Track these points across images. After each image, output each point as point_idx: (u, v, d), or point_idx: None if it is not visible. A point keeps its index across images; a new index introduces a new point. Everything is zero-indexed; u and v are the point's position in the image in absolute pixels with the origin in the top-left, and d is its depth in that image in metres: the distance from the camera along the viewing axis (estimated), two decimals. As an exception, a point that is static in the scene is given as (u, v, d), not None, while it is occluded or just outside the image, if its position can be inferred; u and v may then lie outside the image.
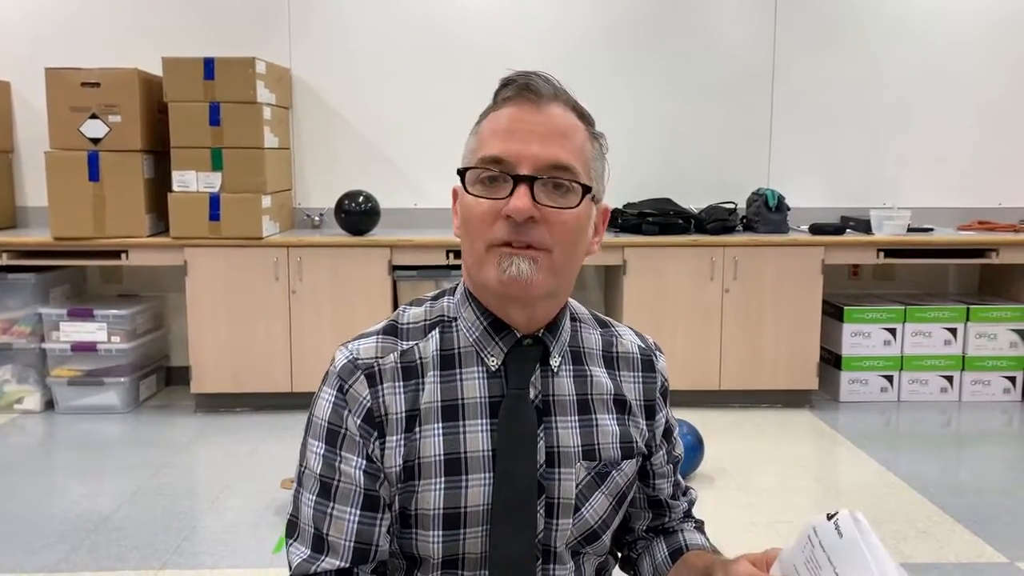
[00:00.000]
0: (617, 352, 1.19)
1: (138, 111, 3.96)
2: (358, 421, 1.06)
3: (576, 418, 1.11)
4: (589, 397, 1.13)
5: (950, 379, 4.40)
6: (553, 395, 1.11)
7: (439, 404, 1.07)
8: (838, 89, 4.62)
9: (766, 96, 4.62)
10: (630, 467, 1.16)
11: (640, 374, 1.19)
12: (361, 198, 4.17)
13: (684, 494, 1.28)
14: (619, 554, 1.30)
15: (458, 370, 1.09)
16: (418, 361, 1.09)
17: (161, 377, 4.60)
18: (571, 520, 1.10)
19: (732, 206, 4.38)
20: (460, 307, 1.12)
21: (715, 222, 4.26)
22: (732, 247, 4.14)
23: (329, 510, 1.06)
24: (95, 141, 3.96)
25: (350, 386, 1.07)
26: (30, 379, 4.20)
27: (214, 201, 3.98)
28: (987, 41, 4.61)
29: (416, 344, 1.10)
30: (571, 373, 1.13)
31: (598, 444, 1.12)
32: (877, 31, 4.60)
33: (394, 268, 4.08)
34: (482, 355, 1.09)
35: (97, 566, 2.64)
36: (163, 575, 2.59)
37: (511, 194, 1.01)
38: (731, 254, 4.14)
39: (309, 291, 4.08)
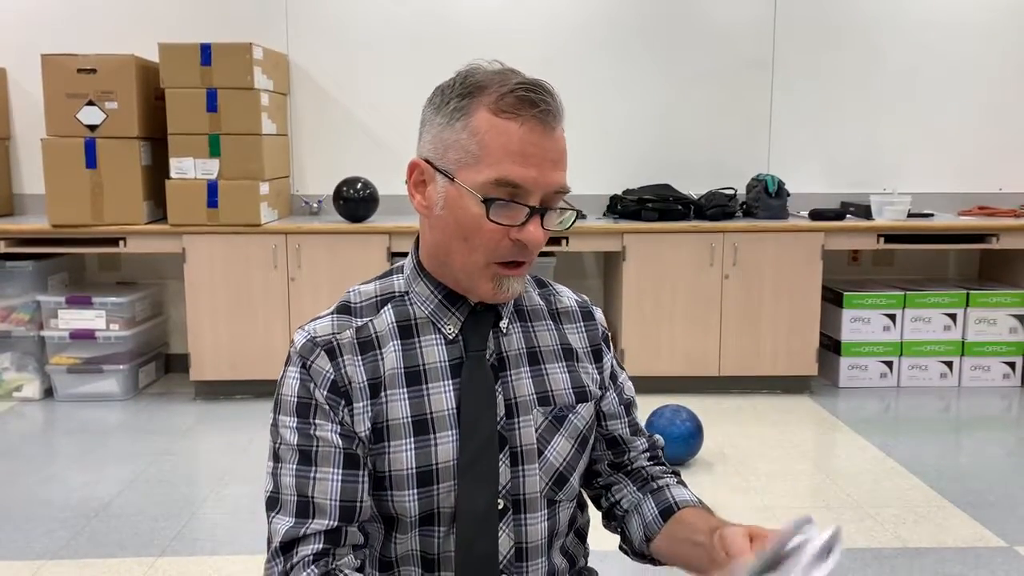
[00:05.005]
0: (557, 308, 1.27)
1: (135, 98, 3.94)
2: (324, 393, 1.10)
3: (527, 368, 1.19)
4: (537, 349, 1.21)
5: (950, 364, 4.40)
6: (506, 352, 1.18)
7: (402, 371, 1.13)
8: (838, 74, 4.60)
9: (766, 81, 4.60)
10: (586, 410, 1.23)
11: (582, 324, 1.28)
12: (359, 185, 4.16)
13: (647, 437, 1.33)
14: (599, 506, 1.33)
15: (416, 339, 1.15)
16: (373, 335, 1.14)
17: (160, 364, 4.60)
18: (537, 465, 1.16)
19: (732, 192, 4.37)
20: (412, 282, 1.18)
21: (715, 208, 4.25)
22: (732, 233, 4.13)
23: (312, 474, 1.09)
24: (92, 128, 3.94)
25: (312, 362, 1.11)
26: (29, 367, 4.20)
27: (212, 188, 3.97)
28: (987, 26, 4.59)
29: (370, 320, 1.16)
30: (519, 330, 1.21)
31: (551, 390, 1.19)
32: (877, 16, 4.57)
33: (393, 255, 4.07)
34: (438, 325, 1.16)
35: (97, 553, 2.64)
36: (163, 562, 2.59)
37: (525, 221, 1.07)
38: (731, 240, 4.13)
39: (308, 278, 4.07)
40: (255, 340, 4.09)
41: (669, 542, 1.20)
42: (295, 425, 1.10)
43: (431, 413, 1.12)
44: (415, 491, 1.11)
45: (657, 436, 1.35)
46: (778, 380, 4.29)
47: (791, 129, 4.63)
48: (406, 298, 1.17)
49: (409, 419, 1.11)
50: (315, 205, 4.49)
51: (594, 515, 1.33)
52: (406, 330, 1.15)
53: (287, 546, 1.08)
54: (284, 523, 1.09)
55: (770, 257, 4.15)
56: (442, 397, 1.13)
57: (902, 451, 3.51)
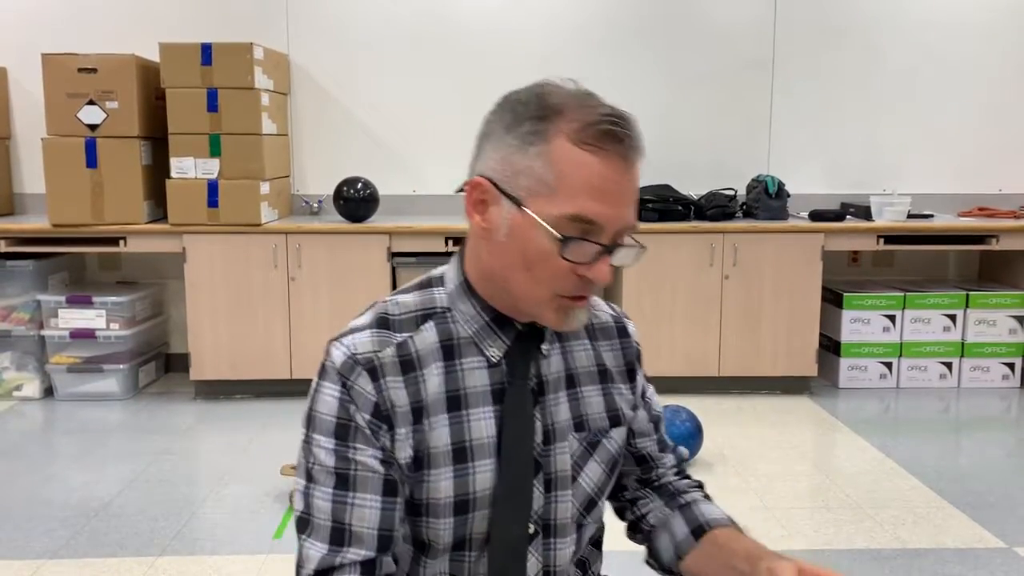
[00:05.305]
0: (594, 324, 1.22)
1: (135, 97, 3.94)
2: (367, 416, 1.03)
3: (565, 393, 1.14)
4: (575, 371, 1.16)
5: (949, 365, 4.40)
6: (546, 376, 1.13)
7: (444, 395, 1.07)
8: (838, 75, 4.60)
9: (766, 82, 4.60)
10: (619, 434, 1.19)
11: (617, 341, 1.23)
12: (360, 185, 4.16)
13: (672, 451, 1.31)
14: (622, 517, 1.31)
15: (458, 360, 1.09)
16: (414, 354, 1.07)
17: (160, 364, 4.60)
18: (570, 491, 1.13)
19: (732, 192, 4.37)
20: (456, 299, 1.11)
21: (715, 208, 4.25)
22: (732, 233, 4.13)
23: (350, 500, 1.04)
24: (92, 127, 3.94)
25: (353, 382, 1.04)
26: (29, 366, 4.20)
27: (212, 187, 3.97)
28: (987, 26, 4.59)
29: (410, 337, 1.08)
30: (558, 351, 1.15)
31: (586, 415, 1.15)
32: (878, 17, 4.57)
33: (393, 255, 4.08)
34: (481, 347, 1.09)
35: (97, 552, 2.64)
36: (163, 561, 2.59)
37: (596, 259, 1.01)
38: (731, 240, 4.13)
39: (308, 278, 4.07)
40: (255, 340, 4.09)
41: (703, 561, 1.18)
42: (332, 447, 1.04)
43: (470, 440, 1.07)
44: (451, 519, 1.07)
45: (682, 449, 1.33)
46: (778, 381, 4.29)
47: (791, 130, 4.64)
48: (448, 315, 1.10)
49: (449, 447, 1.06)
50: (315, 205, 4.49)
51: (614, 522, 1.32)
52: (448, 350, 1.08)
53: (320, 575, 1.03)
54: (317, 550, 1.03)
55: (770, 258, 4.15)
56: (482, 424, 1.07)
57: (901, 452, 3.51)
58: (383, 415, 1.04)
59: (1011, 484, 3.19)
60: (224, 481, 3.20)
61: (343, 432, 1.04)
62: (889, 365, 4.38)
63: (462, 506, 1.07)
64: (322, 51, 4.50)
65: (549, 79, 1.05)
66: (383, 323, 1.09)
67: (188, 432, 3.78)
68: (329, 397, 1.05)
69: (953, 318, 4.36)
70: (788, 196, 4.35)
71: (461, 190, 1.10)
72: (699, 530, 1.21)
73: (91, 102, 3.93)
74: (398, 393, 1.05)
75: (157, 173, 4.09)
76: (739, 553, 1.11)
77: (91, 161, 3.94)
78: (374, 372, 1.04)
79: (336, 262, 4.07)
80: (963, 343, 4.38)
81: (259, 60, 4.02)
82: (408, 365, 1.06)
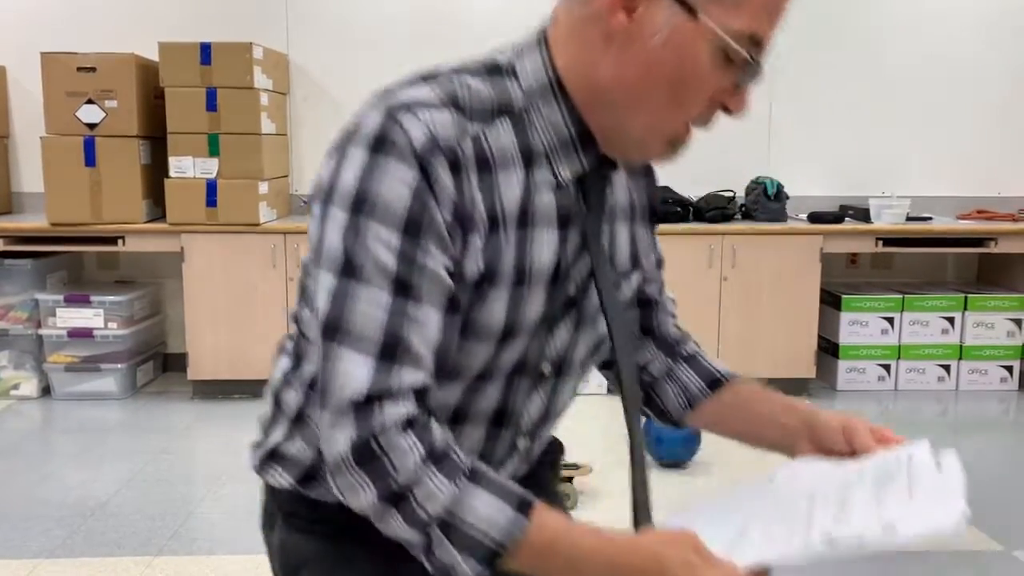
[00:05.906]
0: None
1: (135, 96, 3.94)
2: (448, 217, 0.84)
3: (607, 228, 1.01)
4: (614, 206, 1.02)
5: (947, 368, 4.40)
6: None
7: (517, 207, 0.90)
8: (838, 77, 4.61)
9: (766, 83, 4.59)
10: (636, 278, 1.10)
11: (643, 179, 1.10)
12: (359, 185, 4.15)
13: (668, 295, 1.25)
14: (612, 369, 1.23)
15: (529, 171, 0.90)
16: (489, 152, 0.88)
17: (158, 363, 4.59)
18: (591, 332, 1.03)
19: (731, 194, 4.37)
20: (537, 100, 0.91)
21: (714, 210, 4.25)
22: (731, 235, 4.13)
23: (410, 311, 0.83)
24: (91, 126, 3.94)
25: (435, 170, 0.84)
26: (27, 365, 4.20)
27: (211, 187, 3.97)
28: (987, 30, 4.60)
29: (483, 129, 0.88)
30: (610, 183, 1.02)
31: (615, 254, 1.03)
32: (878, 19, 4.58)
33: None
34: (553, 163, 0.91)
35: (94, 552, 2.64)
36: (160, 561, 2.59)
37: (739, 85, 0.88)
38: (729, 242, 4.13)
39: (306, 278, 4.07)
40: (253, 340, 4.09)
41: (725, 413, 1.18)
42: (397, 244, 0.83)
43: (531, 265, 0.91)
44: (491, 347, 0.91)
45: (674, 295, 1.25)
46: (776, 382, 4.21)
47: (790, 132, 4.64)
48: (524, 118, 0.90)
49: (512, 267, 0.90)
50: (314, 205, 4.48)
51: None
52: (527, 158, 0.90)
53: (367, 400, 0.82)
54: (363, 366, 0.82)
55: (769, 260, 4.15)
56: (544, 249, 0.92)
57: (899, 454, 3.51)
58: (461, 217, 0.85)
59: (1009, 487, 3.19)
60: (222, 481, 3.20)
61: (414, 229, 0.83)
62: (887, 367, 4.38)
63: (507, 333, 0.92)
64: (321, 50, 4.50)
65: None
66: (455, 103, 0.88)
67: (186, 432, 3.78)
68: (397, 181, 0.83)
69: (951, 320, 4.36)
70: (787, 198, 4.35)
71: None
72: (715, 383, 1.18)
73: (90, 101, 3.93)
74: (478, 194, 0.86)
75: (156, 172, 4.09)
76: (778, 407, 1.12)
77: (90, 160, 3.93)
78: (456, 164, 0.85)
79: (335, 262, 4.06)
80: (961, 346, 4.38)
81: (258, 60, 4.01)
82: (484, 164, 0.87)
